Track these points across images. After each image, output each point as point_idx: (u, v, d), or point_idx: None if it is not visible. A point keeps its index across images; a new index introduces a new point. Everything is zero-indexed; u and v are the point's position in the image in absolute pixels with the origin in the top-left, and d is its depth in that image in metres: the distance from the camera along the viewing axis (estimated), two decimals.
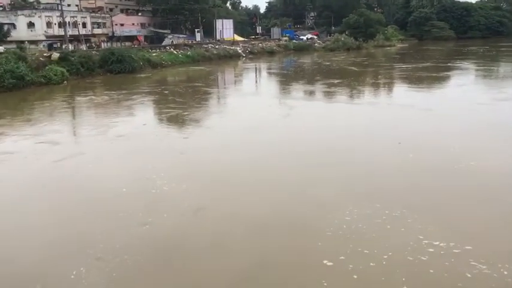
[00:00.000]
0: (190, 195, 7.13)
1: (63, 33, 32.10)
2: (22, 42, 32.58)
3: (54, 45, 29.64)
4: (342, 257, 5.20)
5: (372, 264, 5.06)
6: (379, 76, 25.01)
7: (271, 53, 42.32)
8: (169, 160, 9.11)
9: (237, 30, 52.50)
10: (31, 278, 5.00)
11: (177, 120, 13.28)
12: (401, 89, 19.41)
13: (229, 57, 37.49)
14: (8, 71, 19.68)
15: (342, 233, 5.77)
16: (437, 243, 5.41)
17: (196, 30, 46.57)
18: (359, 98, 17.08)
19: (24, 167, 8.81)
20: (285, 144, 9.99)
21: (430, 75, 23.78)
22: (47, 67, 22.29)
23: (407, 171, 8.09)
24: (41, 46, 31.17)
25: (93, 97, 18.41)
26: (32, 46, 30.76)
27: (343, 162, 8.58)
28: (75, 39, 35.54)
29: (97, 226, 6.13)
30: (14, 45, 29.53)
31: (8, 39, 34.44)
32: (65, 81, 22.49)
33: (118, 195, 7.21)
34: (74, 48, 30.98)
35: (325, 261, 5.13)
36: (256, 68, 32.68)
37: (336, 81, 21.82)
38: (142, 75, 26.47)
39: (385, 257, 5.18)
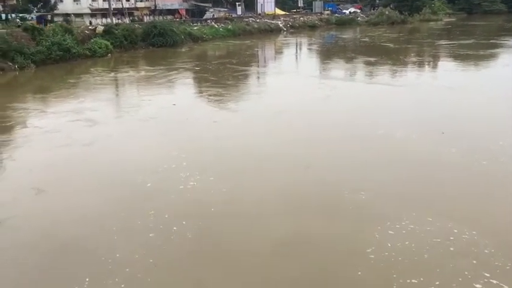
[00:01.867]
0: (218, 191, 6.53)
1: (107, 7, 32.66)
2: (68, 15, 33.48)
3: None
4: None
5: None
6: (424, 54, 24.11)
7: (312, 27, 41.56)
8: (196, 146, 8.61)
9: (278, 4, 51.65)
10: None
11: (210, 101, 12.99)
12: (447, 69, 18.61)
13: (270, 31, 37.11)
14: (55, 43, 20.35)
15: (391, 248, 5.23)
16: None
17: (237, 3, 46.15)
18: (401, 78, 16.49)
19: (47, 147, 8.80)
20: (326, 129, 9.65)
21: (477, 54, 22.68)
22: (92, 40, 22.87)
23: (442, 173, 7.00)
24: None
25: (132, 72, 18.75)
26: (78, 19, 31.53)
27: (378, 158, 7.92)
28: (118, 12, 36.09)
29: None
30: (60, 18, 30.39)
31: (55, 12, 35.45)
32: (109, 54, 23.03)
33: (136, 190, 6.67)
34: (118, 21, 31.43)
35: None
36: (296, 43, 32.22)
37: (377, 58, 21.20)
38: (183, 49, 26.71)
39: None
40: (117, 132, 9.79)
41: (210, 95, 13.58)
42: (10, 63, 18.46)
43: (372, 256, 4.86)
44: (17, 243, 5.28)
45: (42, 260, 4.96)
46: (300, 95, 13.33)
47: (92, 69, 19.44)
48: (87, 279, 4.54)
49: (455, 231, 5.29)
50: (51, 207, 6.18)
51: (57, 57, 20.19)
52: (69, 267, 4.81)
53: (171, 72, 18.10)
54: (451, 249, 4.95)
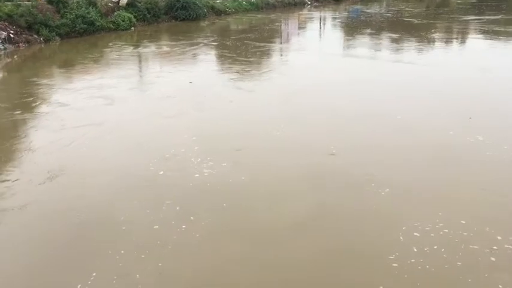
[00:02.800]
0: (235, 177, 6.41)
1: None
2: None
3: None
4: None
5: None
6: (451, 30, 23.40)
7: (337, 0, 40.62)
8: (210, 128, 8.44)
9: None
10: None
11: (229, 79, 12.83)
12: (475, 47, 18.11)
13: (294, 5, 36.46)
14: (79, 16, 20.47)
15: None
16: None
17: None
18: (428, 56, 16.13)
19: (62, 127, 8.81)
20: (349, 111, 9.52)
21: (505, 30, 21.87)
22: (115, 13, 22.92)
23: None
24: None
25: (153, 47, 18.71)
26: None
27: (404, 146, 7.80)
28: None
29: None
30: None
31: None
32: (133, 27, 23.08)
33: (145, 178, 6.46)
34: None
35: None
36: (320, 17, 31.64)
37: (403, 34, 20.73)
38: (205, 23, 26.55)
39: None
40: (132, 111, 9.78)
41: (230, 72, 13.55)
42: (36, 36, 18.73)
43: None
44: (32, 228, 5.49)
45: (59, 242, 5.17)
46: (322, 73, 13.22)
47: (114, 43, 19.57)
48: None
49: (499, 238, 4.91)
50: (61, 193, 6.25)
51: (81, 30, 20.35)
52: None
53: (192, 47, 18.09)
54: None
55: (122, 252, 4.76)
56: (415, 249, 4.69)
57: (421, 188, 6.09)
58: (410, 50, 17.10)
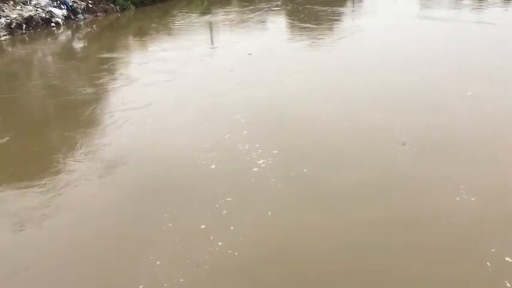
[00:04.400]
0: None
1: None
2: None
3: None
4: None
5: None
6: None
7: None
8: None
9: None
10: None
11: (292, 48, 12.35)
12: None
13: None
14: None
15: None
16: None
17: None
18: None
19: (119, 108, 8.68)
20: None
21: None
22: None
23: None
24: None
25: (221, 15, 18.76)
26: None
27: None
28: None
29: None
30: None
31: None
32: None
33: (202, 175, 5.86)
34: None
35: None
36: None
37: None
38: None
39: None
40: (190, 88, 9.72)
41: (294, 41, 13.32)
42: (112, 5, 19.59)
43: None
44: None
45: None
46: (398, 40, 12.57)
47: (185, 11, 19.96)
48: None
49: None
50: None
51: None
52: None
53: (259, 12, 18.00)
54: None
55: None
56: None
57: None
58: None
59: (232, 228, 4.72)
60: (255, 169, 5.86)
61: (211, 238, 4.57)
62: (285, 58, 11.68)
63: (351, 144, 6.54)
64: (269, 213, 4.96)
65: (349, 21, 16.56)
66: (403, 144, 6.30)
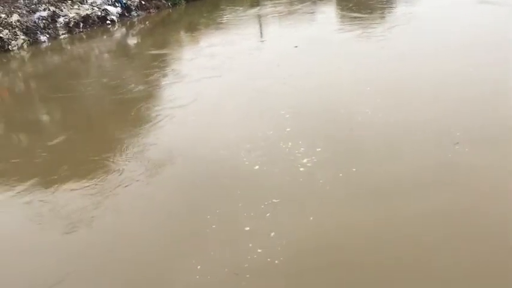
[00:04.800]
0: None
1: None
2: None
3: None
4: None
5: None
6: None
7: None
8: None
9: None
10: None
11: (341, 40, 11.99)
12: None
13: None
14: None
15: None
16: None
17: None
18: None
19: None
20: None
21: None
22: None
23: None
24: None
25: (269, 8, 18.47)
26: None
27: None
28: None
29: None
30: None
31: None
32: None
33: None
34: None
35: None
36: None
37: None
38: None
39: None
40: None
41: (342, 32, 12.97)
42: (164, 1, 19.97)
43: None
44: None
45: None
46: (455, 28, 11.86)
47: (233, 4, 19.96)
48: None
49: None
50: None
51: None
52: None
53: (308, 3, 17.66)
54: None
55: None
56: None
57: None
58: None
59: (275, 232, 4.66)
60: (301, 169, 5.76)
61: (255, 242, 4.55)
62: (334, 49, 11.32)
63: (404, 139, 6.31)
64: (318, 216, 4.86)
65: (402, 9, 15.83)
66: (457, 143, 5.96)
